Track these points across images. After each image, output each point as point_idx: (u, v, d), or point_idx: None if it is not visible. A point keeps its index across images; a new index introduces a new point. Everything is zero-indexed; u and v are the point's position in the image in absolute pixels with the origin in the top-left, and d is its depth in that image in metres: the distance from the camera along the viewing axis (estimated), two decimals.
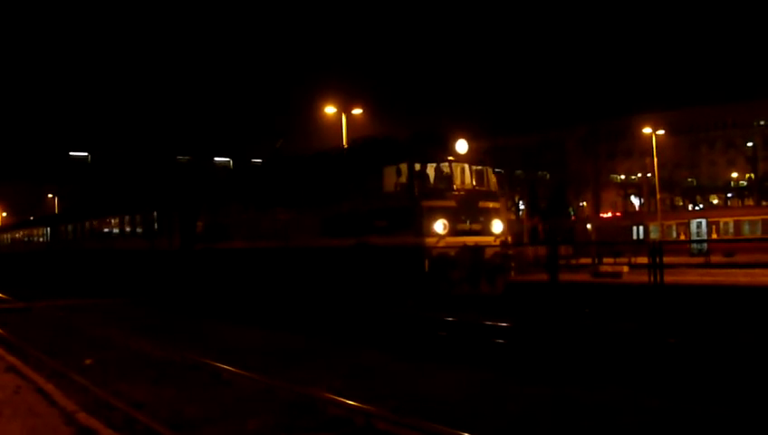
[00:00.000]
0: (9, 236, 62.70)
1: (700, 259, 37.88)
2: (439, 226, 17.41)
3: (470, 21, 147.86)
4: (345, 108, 36.72)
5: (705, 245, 44.64)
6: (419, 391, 10.28)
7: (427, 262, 17.21)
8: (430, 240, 17.31)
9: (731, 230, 48.61)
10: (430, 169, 18.39)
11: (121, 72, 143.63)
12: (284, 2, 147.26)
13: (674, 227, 53.38)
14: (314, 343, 15.35)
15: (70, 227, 45.35)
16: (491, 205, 18.86)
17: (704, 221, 50.62)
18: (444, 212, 17.60)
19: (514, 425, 8.50)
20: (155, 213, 32.68)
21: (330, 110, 36.89)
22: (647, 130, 54.94)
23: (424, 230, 17.37)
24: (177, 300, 26.93)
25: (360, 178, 19.38)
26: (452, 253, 17.44)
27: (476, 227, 18.25)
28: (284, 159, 26.87)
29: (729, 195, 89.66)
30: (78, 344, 15.76)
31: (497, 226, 18.71)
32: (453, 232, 17.62)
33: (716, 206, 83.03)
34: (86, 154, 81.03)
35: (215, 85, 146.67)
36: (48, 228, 50.10)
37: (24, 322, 21.06)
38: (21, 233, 59.10)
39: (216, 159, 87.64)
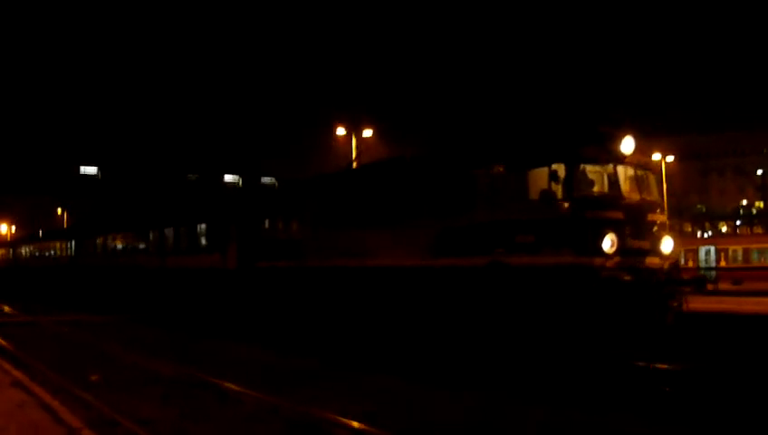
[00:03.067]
0: (28, 249, 58.14)
1: (709, 287, 37.72)
2: (607, 243, 13.70)
3: (478, 34, 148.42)
4: (355, 128, 36.78)
5: (714, 272, 44.47)
6: None
7: (595, 287, 13.55)
8: (598, 260, 13.60)
9: (739, 258, 48.41)
10: (591, 173, 14.89)
11: (132, 88, 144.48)
12: (294, 21, 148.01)
13: (682, 254, 53.19)
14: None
15: (99, 241, 40.74)
16: (659, 219, 15.35)
17: (712, 248, 50.45)
18: (610, 226, 13.87)
19: None
20: (203, 226, 28.34)
21: (340, 131, 36.98)
22: (656, 157, 54.90)
23: (588, 248, 13.71)
24: (236, 328, 22.97)
25: (491, 183, 15.40)
26: (625, 276, 13.75)
27: (645, 245, 14.57)
28: (373, 167, 21.96)
29: (738, 222, 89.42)
30: (85, 360, 15.78)
31: (667, 244, 15.09)
32: (620, 251, 13.87)
33: (725, 233, 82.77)
34: (96, 169, 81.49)
35: (225, 103, 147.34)
36: (72, 242, 45.75)
37: (31, 337, 21.08)
38: (41, 246, 54.27)
39: (226, 176, 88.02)
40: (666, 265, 14.82)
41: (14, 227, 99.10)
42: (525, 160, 14.88)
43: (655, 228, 14.93)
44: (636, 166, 15.03)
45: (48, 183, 76.50)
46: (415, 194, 17.50)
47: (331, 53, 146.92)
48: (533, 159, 14.71)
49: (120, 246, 37.86)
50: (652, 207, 15.18)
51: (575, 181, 14.15)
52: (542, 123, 16.76)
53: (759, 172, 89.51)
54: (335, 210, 20.60)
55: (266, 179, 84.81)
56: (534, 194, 14.40)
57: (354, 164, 32.89)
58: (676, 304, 14.59)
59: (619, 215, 14.22)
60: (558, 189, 14.04)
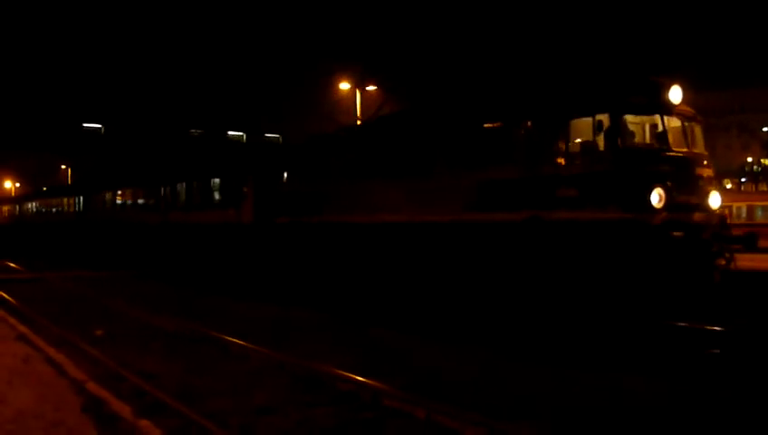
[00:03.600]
0: (33, 204, 56.50)
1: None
2: (655, 197, 12.89)
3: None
4: (359, 84, 36.41)
5: None
6: None
7: (644, 244, 12.73)
8: (647, 216, 12.83)
9: (743, 215, 48.38)
10: (637, 124, 14.16)
11: (134, 44, 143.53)
12: None
13: None
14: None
15: (107, 196, 39.43)
16: (706, 173, 14.50)
17: None
18: (658, 180, 13.03)
19: None
20: (216, 180, 27.16)
21: (344, 86, 36.60)
22: None
23: (635, 203, 12.86)
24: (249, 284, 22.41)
25: (530, 135, 14.33)
26: (675, 233, 12.92)
27: (692, 200, 13.67)
28: (402, 116, 20.18)
29: (743, 179, 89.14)
30: (90, 315, 15.89)
31: (715, 199, 14.27)
32: (668, 206, 13.05)
33: (730, 190, 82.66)
34: (100, 126, 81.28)
35: (228, 58, 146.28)
36: (79, 197, 44.08)
37: (37, 292, 21.20)
38: (47, 202, 52.51)
39: (230, 132, 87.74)
40: (714, 221, 13.94)
41: (17, 184, 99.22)
42: (568, 110, 13.88)
43: (702, 182, 14.03)
44: (683, 117, 14.16)
45: (52, 140, 76.30)
46: (447, 146, 16.30)
47: (334, 4, 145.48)
48: (576, 109, 13.78)
49: (128, 201, 36.88)
50: (699, 160, 14.26)
51: (621, 132, 13.27)
52: (585, 72, 16.04)
53: (765, 129, 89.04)
54: (360, 163, 19.16)
55: (270, 136, 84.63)
56: (577, 146, 13.66)
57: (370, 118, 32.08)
58: (723, 263, 13.68)
59: (666, 168, 13.34)
60: (602, 141, 13.24)
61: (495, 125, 15.29)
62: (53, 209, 50.21)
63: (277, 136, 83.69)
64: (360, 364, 10.19)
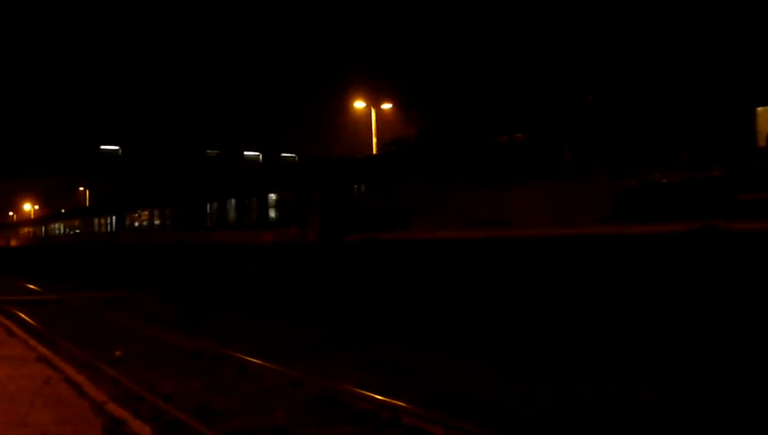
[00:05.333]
0: (61, 225, 53.09)
1: None
2: None
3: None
4: (374, 102, 36.48)
5: None
6: None
7: None
8: None
9: None
10: None
11: (151, 66, 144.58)
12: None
13: None
14: None
15: (144, 215, 36.40)
16: None
17: None
18: None
19: None
20: (273, 196, 24.02)
21: (359, 105, 36.69)
22: None
23: None
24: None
25: (698, 125, 11.49)
26: None
27: None
28: (520, 110, 15.86)
29: None
30: (109, 336, 15.97)
31: None
32: None
33: None
34: (117, 148, 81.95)
35: (244, 80, 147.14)
36: (113, 217, 40.45)
37: (59, 314, 21.36)
38: (75, 222, 49.03)
39: (246, 153, 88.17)
40: None
41: (36, 206, 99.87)
42: (752, 95, 11.09)
43: None
44: None
45: (69, 161, 76.98)
46: (581, 143, 12.96)
47: (346, 23, 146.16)
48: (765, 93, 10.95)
49: (167, 221, 33.54)
50: None
51: None
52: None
53: None
54: (462, 169, 15.15)
55: (287, 155, 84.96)
56: (764, 139, 10.90)
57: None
58: None
59: None
60: None
61: (649, 115, 12.26)
62: (83, 230, 46.83)
63: (293, 155, 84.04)
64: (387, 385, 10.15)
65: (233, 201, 26.61)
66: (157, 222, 34.44)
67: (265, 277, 22.34)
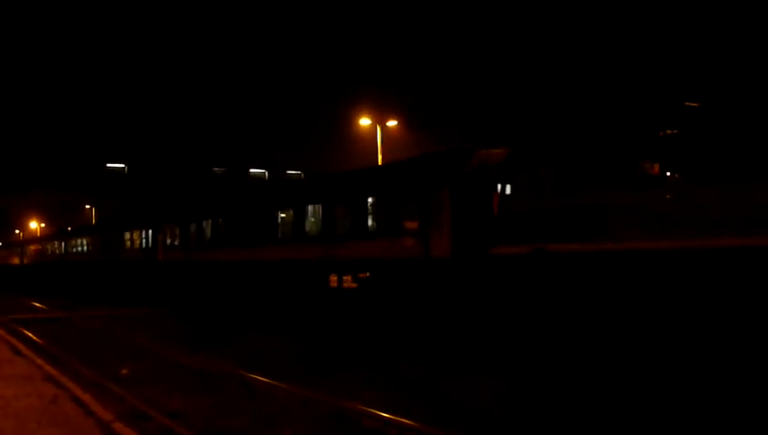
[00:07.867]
0: (84, 240, 46.70)
1: None
2: None
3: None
4: (380, 119, 36.44)
5: None
6: None
7: None
8: None
9: None
10: None
11: (158, 84, 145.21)
12: (318, 16, 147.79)
13: None
14: None
15: (192, 228, 29.29)
16: None
17: None
18: None
19: None
20: (370, 199, 19.01)
21: (364, 122, 36.63)
22: None
23: None
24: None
25: None
26: None
27: None
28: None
29: None
30: (116, 354, 15.94)
31: None
32: None
33: None
34: (123, 166, 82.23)
35: (250, 98, 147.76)
36: (149, 231, 34.24)
37: (68, 332, 21.32)
38: (103, 238, 42.17)
39: (251, 170, 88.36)
40: None
41: (42, 224, 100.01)
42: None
43: None
44: None
45: (75, 179, 77.22)
46: None
47: (351, 42, 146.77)
48: None
49: (221, 233, 27.21)
50: None
51: None
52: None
53: None
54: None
55: (292, 172, 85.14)
56: None
57: None
58: None
59: None
60: None
61: None
62: (120, 244, 39.21)
63: (299, 172, 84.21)
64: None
65: (310, 208, 21.41)
66: (208, 235, 28.07)
67: (370, 304, 17.60)
